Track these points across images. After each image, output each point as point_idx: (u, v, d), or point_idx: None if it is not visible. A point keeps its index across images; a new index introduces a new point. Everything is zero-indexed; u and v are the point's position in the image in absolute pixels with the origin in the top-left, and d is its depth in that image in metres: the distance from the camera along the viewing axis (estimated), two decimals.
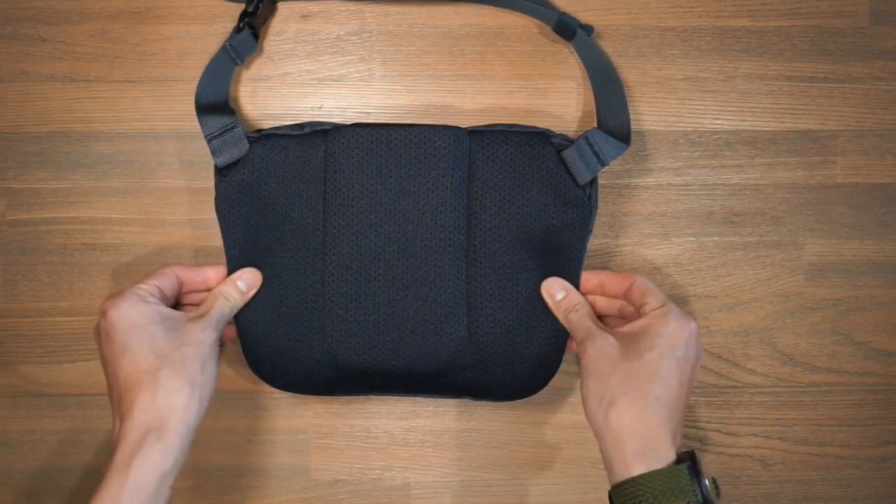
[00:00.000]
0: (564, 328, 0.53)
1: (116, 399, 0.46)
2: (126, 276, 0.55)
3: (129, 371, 0.46)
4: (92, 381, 0.56)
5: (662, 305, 0.48)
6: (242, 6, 0.54)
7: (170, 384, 0.45)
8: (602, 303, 0.53)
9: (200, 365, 0.47)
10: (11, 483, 0.56)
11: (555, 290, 0.52)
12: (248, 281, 0.52)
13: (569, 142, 0.52)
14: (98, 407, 0.56)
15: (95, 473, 0.56)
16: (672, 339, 0.47)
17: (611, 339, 0.47)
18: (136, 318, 0.47)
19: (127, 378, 0.45)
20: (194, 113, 0.52)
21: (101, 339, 0.48)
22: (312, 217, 0.52)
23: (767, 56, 0.56)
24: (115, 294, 0.48)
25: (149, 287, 0.49)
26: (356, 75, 0.56)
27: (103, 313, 0.47)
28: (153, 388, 0.45)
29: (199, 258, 0.56)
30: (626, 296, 0.51)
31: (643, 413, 0.44)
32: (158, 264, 0.56)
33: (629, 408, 0.45)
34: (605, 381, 0.46)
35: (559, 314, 0.52)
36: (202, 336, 0.48)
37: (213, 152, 0.51)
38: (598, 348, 0.47)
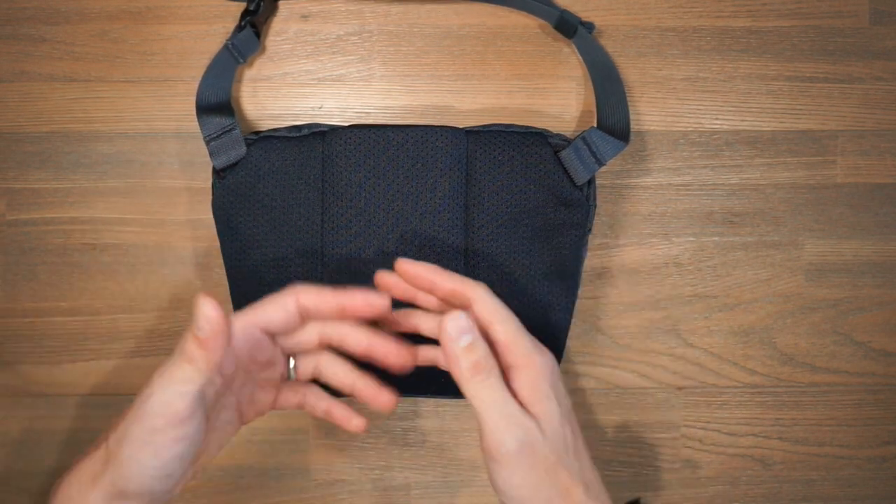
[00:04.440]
0: (564, 327, 0.53)
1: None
2: (126, 277, 0.55)
3: None
4: (92, 382, 0.56)
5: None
6: (243, 6, 0.54)
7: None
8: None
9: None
10: (11, 483, 0.56)
11: (458, 330, 0.41)
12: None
13: (566, 142, 0.52)
14: (98, 407, 0.56)
15: None
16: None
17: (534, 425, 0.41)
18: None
19: None
20: (194, 113, 0.52)
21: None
22: (310, 219, 0.52)
23: (767, 56, 0.56)
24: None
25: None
26: (356, 75, 0.56)
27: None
28: None
29: (199, 258, 0.56)
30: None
31: None
32: (158, 264, 0.56)
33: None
34: (552, 477, 0.40)
35: (456, 369, 0.41)
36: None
37: (212, 154, 0.51)
38: (530, 443, 0.40)
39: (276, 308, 0.42)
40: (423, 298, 0.45)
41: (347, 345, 0.43)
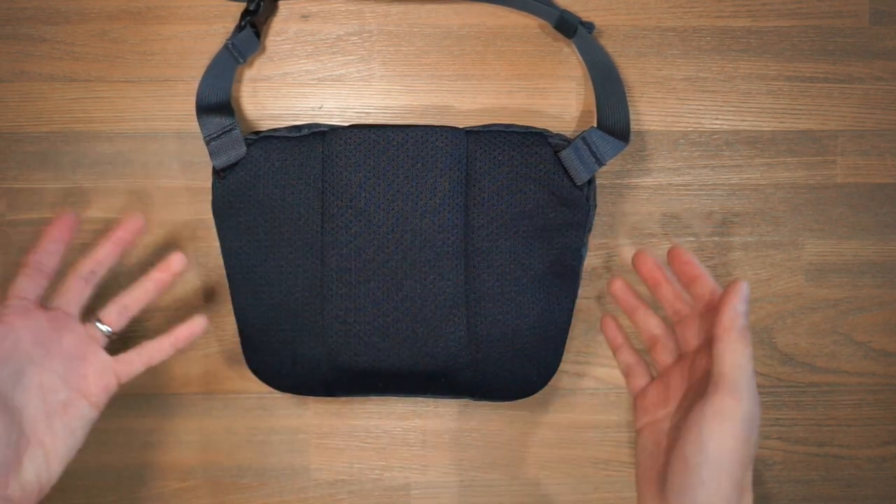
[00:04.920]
0: (564, 327, 0.53)
1: None
2: (126, 276, 0.55)
3: None
4: None
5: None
6: (243, 6, 0.54)
7: None
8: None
9: None
10: None
11: (745, 296, 0.43)
12: None
13: (566, 142, 0.52)
14: None
15: (94, 473, 0.56)
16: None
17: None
18: None
19: None
20: (194, 113, 0.52)
21: None
22: (311, 219, 0.52)
23: (767, 56, 0.56)
24: None
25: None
26: (356, 75, 0.56)
27: None
28: None
29: (200, 258, 0.56)
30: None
31: None
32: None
33: None
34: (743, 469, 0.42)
35: (729, 323, 0.43)
36: None
37: (212, 154, 0.51)
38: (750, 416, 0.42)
39: (22, 278, 0.47)
40: (665, 289, 0.49)
41: (102, 257, 0.49)
